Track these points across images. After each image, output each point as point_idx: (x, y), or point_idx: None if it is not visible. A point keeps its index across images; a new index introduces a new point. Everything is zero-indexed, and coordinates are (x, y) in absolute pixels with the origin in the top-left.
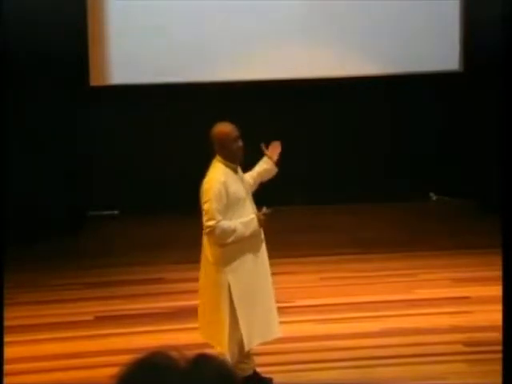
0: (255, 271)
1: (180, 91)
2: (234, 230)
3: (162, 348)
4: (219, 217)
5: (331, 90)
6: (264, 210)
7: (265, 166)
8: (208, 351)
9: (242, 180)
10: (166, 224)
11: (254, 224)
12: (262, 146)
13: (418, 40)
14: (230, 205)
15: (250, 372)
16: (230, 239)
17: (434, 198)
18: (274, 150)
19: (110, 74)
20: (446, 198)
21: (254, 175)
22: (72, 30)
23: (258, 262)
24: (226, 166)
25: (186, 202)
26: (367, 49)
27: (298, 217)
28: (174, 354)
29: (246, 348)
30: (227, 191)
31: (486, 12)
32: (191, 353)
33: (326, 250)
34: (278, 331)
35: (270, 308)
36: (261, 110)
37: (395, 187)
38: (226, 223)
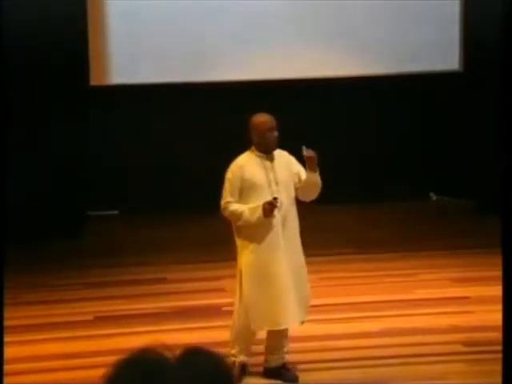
0: (270, 259)
1: (180, 91)
2: (240, 214)
3: (149, 345)
4: (229, 198)
5: (331, 90)
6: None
7: (307, 173)
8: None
9: (273, 170)
10: (166, 224)
11: (259, 212)
12: (303, 148)
13: (418, 40)
14: (243, 189)
15: (276, 364)
16: (240, 222)
17: (434, 198)
18: (310, 154)
19: (110, 74)
20: (446, 198)
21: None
22: (72, 29)
23: (275, 250)
24: (255, 154)
25: (187, 202)
26: (367, 49)
27: (298, 217)
28: (162, 350)
29: (254, 330)
30: (243, 176)
31: (486, 12)
32: (180, 348)
33: (326, 249)
34: (286, 322)
35: (282, 297)
36: (261, 110)
37: (395, 187)
38: (235, 206)
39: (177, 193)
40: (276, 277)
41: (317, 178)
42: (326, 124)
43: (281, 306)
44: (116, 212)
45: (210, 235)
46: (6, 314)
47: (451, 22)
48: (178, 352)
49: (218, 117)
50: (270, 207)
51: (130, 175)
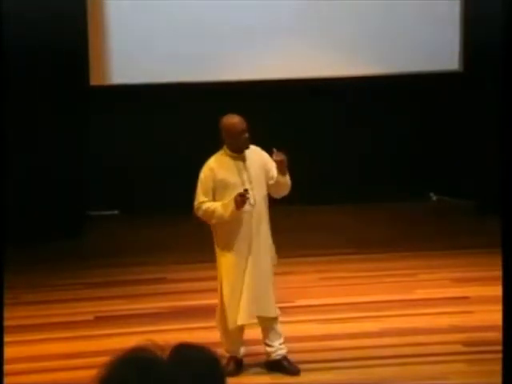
0: (246, 257)
1: (180, 91)
2: (213, 211)
3: (140, 344)
4: (202, 198)
5: (331, 90)
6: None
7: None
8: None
9: (245, 169)
10: (166, 224)
11: (232, 206)
12: (274, 150)
13: (418, 40)
14: (217, 189)
15: (276, 356)
16: (214, 220)
17: (434, 198)
18: (278, 155)
19: (110, 74)
20: (446, 198)
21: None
22: (72, 29)
23: (251, 248)
24: (227, 154)
25: (187, 202)
26: (367, 49)
27: (298, 217)
28: (153, 348)
29: (231, 327)
30: (215, 177)
31: (486, 12)
32: (170, 346)
33: (326, 249)
34: (242, 319)
35: (250, 296)
36: (260, 110)
37: (395, 187)
38: (207, 205)
39: (177, 193)
40: (246, 275)
41: (286, 180)
42: (325, 124)
43: (243, 302)
44: (116, 212)
45: (209, 235)
46: (6, 314)
47: (451, 22)
48: (168, 350)
49: (218, 117)
50: (241, 199)
51: (129, 175)
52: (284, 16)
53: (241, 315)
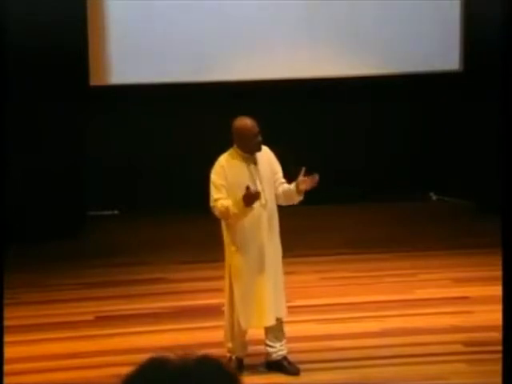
0: (257, 257)
1: (180, 91)
2: (227, 208)
3: (162, 351)
4: (216, 195)
5: (331, 90)
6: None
7: (292, 188)
8: (210, 351)
9: (256, 170)
10: (166, 224)
11: (242, 205)
12: (303, 169)
13: (418, 40)
14: (228, 189)
15: (277, 357)
16: (229, 219)
17: (434, 197)
18: (309, 181)
19: (110, 74)
20: (446, 197)
21: (284, 188)
22: (72, 29)
23: (263, 249)
24: (238, 154)
25: (187, 202)
26: (367, 49)
27: (298, 217)
28: (174, 357)
29: (244, 328)
30: (227, 176)
31: (486, 12)
32: (192, 355)
33: (325, 250)
34: (269, 320)
35: (265, 296)
36: (261, 110)
37: (395, 187)
38: (220, 203)
39: (177, 193)
40: (262, 276)
41: (300, 198)
42: (325, 124)
43: (265, 305)
44: (116, 212)
45: (209, 235)
46: (6, 314)
47: (451, 22)
48: (189, 358)
49: (218, 117)
50: (247, 193)
51: (129, 175)
52: (284, 17)
53: (266, 317)
